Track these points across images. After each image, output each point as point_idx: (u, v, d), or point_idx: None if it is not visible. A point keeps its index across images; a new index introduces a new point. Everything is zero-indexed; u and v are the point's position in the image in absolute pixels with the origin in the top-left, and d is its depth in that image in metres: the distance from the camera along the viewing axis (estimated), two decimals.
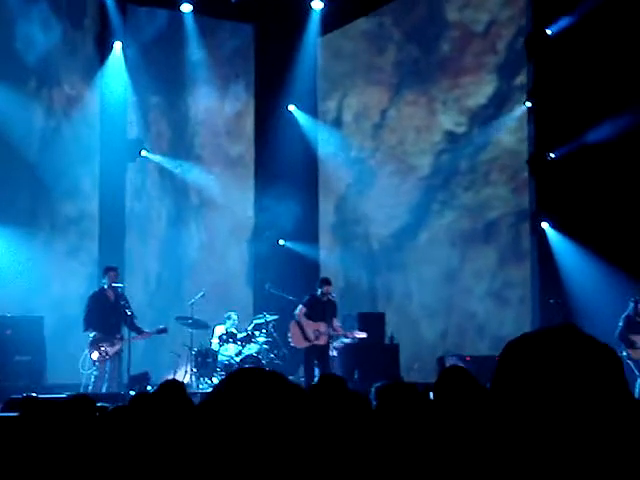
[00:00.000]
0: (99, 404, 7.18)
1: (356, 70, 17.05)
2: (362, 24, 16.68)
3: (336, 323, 13.87)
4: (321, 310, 13.69)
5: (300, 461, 2.00)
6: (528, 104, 15.00)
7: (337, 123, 17.44)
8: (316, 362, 13.64)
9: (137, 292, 14.91)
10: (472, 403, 4.32)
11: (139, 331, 13.02)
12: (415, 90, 16.24)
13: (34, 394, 9.68)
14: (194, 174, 17.23)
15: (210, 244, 17.58)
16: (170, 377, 10.76)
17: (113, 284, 13.02)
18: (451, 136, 15.97)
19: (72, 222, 15.58)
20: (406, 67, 16.17)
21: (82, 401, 4.80)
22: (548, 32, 14.40)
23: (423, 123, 16.19)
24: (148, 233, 16.71)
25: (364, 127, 17.06)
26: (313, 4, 16.60)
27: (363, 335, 14.01)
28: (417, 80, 16.17)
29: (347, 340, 14.56)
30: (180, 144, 17.35)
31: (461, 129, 15.83)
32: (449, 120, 15.96)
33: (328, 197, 17.84)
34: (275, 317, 14.84)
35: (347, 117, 17.28)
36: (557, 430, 1.69)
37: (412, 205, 16.38)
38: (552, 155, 14.40)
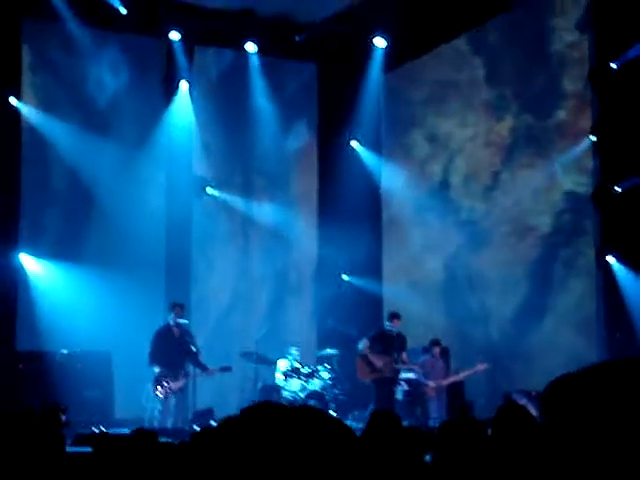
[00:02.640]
0: (163, 439, 7.28)
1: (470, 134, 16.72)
2: (484, 94, 16.50)
3: (405, 356, 13.88)
4: (389, 344, 13.71)
5: None
6: (593, 138, 14.86)
7: (444, 185, 16.98)
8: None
9: (203, 328, 15.04)
10: (526, 440, 4.29)
11: (203, 368, 13.13)
12: (529, 153, 15.76)
13: (103, 429, 9.84)
14: (258, 210, 17.40)
15: (274, 279, 17.68)
16: (232, 413, 10.82)
17: (179, 320, 13.17)
18: (572, 195, 15.26)
19: (140, 259, 15.81)
20: (520, 132, 15.90)
21: (143, 435, 4.87)
22: (613, 66, 14.30)
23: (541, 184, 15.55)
24: (214, 269, 16.88)
25: (474, 189, 16.55)
26: (375, 42, 16.73)
27: (483, 367, 14.03)
28: (532, 144, 15.68)
29: (412, 374, 14.52)
30: (245, 181, 17.54)
31: (582, 189, 15.04)
32: (569, 180, 15.26)
33: (392, 234, 17.79)
34: (338, 352, 14.86)
35: (455, 179, 16.89)
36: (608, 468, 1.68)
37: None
38: (618, 189, 14.24)
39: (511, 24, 15.87)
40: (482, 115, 16.42)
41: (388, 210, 17.97)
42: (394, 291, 17.10)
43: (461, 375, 14.30)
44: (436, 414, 13.55)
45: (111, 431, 11.15)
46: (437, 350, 14.32)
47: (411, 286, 16.86)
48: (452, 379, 14.27)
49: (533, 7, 15.58)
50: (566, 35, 15.19)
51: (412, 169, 17.32)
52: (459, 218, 16.52)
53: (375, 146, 17.83)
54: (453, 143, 16.86)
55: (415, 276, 16.96)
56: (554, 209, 15.29)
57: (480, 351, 14.95)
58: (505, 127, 16.02)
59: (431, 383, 14.03)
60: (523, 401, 11.26)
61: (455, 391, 14.57)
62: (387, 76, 17.56)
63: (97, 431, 10.88)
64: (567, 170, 15.10)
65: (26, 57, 15.26)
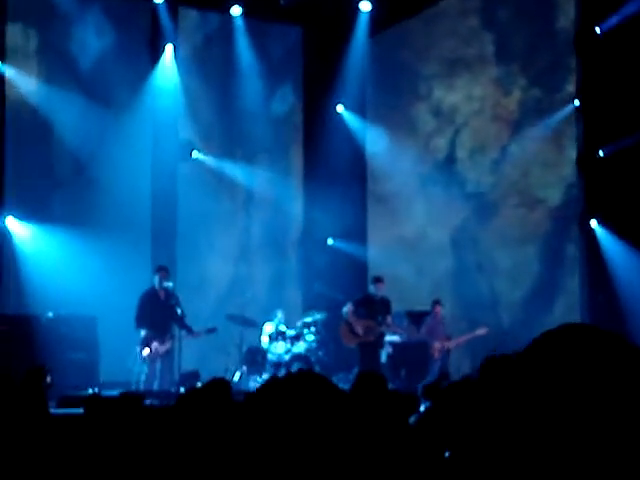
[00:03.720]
0: (149, 401, 7.35)
1: (475, 108, 16.64)
2: (492, 71, 16.41)
3: (389, 320, 13.97)
4: (373, 308, 13.79)
5: (337, 462, 2.07)
6: (576, 103, 14.88)
7: (450, 159, 16.91)
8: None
9: (188, 291, 15.06)
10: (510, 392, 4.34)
11: (189, 330, 13.19)
12: (539, 126, 15.64)
13: (95, 390, 9.88)
14: (244, 174, 17.39)
15: (259, 242, 17.73)
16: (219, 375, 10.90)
17: (164, 283, 13.21)
18: None
19: (125, 222, 15.80)
20: (529, 105, 15.82)
21: (131, 398, 4.93)
22: (597, 30, 14.29)
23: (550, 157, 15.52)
24: (199, 232, 16.89)
25: (482, 162, 16.48)
26: (361, 5, 16.66)
27: (483, 331, 14.16)
28: (541, 117, 15.60)
29: (396, 337, 14.64)
30: (230, 144, 17.52)
31: None
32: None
33: (378, 201, 17.78)
34: (324, 315, 14.94)
35: (461, 153, 16.79)
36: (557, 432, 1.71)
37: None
38: (601, 153, 14.28)
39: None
40: (490, 89, 16.38)
41: (373, 174, 17.98)
42: (379, 254, 17.16)
43: (463, 338, 14.43)
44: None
45: (102, 393, 11.22)
46: (438, 310, 14.44)
47: (415, 256, 16.83)
48: (455, 342, 14.39)
49: None
50: (570, 10, 15.13)
51: (416, 143, 17.24)
52: (465, 191, 16.51)
53: (360, 110, 17.80)
54: (459, 117, 16.80)
55: (421, 247, 16.93)
56: (564, 182, 15.27)
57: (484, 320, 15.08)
58: (513, 101, 15.99)
59: (436, 344, 14.18)
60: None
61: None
62: (375, 39, 17.45)
63: (89, 392, 10.93)
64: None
65: (9, 20, 15.11)
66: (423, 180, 17.01)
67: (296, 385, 2.15)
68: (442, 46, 16.88)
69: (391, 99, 17.63)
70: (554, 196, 15.43)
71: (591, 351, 1.74)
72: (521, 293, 15.57)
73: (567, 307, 14.80)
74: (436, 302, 14.49)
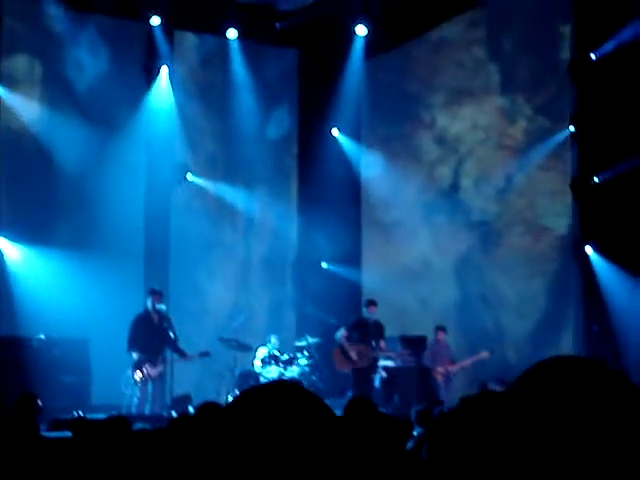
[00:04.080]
0: (140, 425, 7.27)
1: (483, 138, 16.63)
2: (497, 100, 16.42)
3: (383, 344, 13.92)
4: (366, 332, 13.74)
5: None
6: (571, 128, 14.91)
7: (454, 188, 16.84)
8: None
9: (182, 315, 14.98)
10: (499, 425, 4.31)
11: (182, 353, 13.12)
12: (540, 153, 15.61)
13: (80, 414, 9.82)
14: (239, 197, 17.37)
15: (254, 266, 17.69)
16: (210, 399, 10.82)
17: (157, 306, 13.15)
18: None
19: (118, 244, 15.75)
20: (535, 134, 15.84)
21: (118, 422, 4.87)
22: (592, 57, 14.34)
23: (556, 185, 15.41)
24: (193, 255, 16.82)
25: (486, 191, 16.39)
26: (357, 30, 16.70)
27: (486, 354, 14.16)
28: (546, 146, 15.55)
29: (390, 362, 14.59)
30: (225, 167, 17.50)
31: None
32: None
33: (372, 226, 17.75)
34: (317, 340, 14.88)
35: (465, 182, 16.74)
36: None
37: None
38: (596, 179, 14.28)
39: (526, 31, 15.86)
40: (495, 118, 16.40)
41: (368, 199, 17.96)
42: (373, 279, 17.13)
43: (467, 361, 14.43)
44: (445, 399, 13.59)
45: (88, 416, 11.13)
46: (442, 336, 14.45)
47: (418, 285, 16.78)
48: (459, 365, 14.39)
49: (545, 13, 15.54)
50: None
51: (420, 170, 17.22)
52: (470, 219, 16.49)
53: (356, 134, 17.80)
54: (463, 146, 16.81)
55: (424, 276, 16.86)
56: (571, 210, 15.20)
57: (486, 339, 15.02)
58: (519, 130, 15.99)
59: (439, 369, 14.17)
60: (498, 388, 11.33)
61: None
62: (375, 65, 17.48)
63: (75, 415, 10.85)
64: None
65: (4, 40, 15.10)
66: (427, 208, 16.99)
67: (270, 396, 2.09)
68: (446, 75, 16.91)
69: (392, 126, 17.62)
70: (561, 224, 15.38)
71: (575, 382, 1.79)
72: (527, 325, 15.49)
73: (574, 340, 14.74)
74: (440, 328, 14.54)
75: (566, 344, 14.71)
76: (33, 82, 15.60)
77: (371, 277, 17.29)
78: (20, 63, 15.52)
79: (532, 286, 15.46)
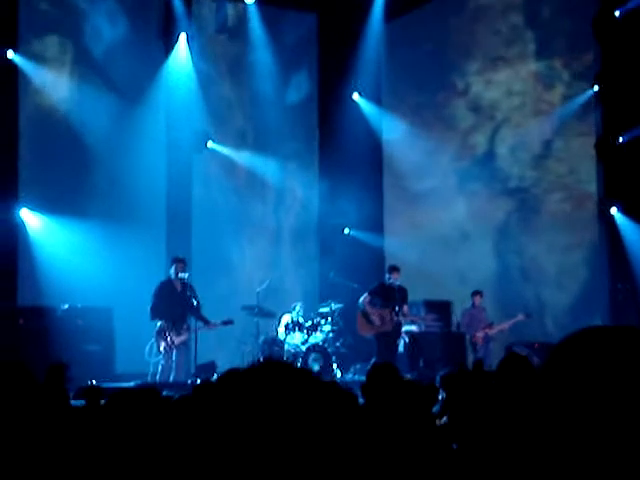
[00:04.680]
0: (165, 393, 7.27)
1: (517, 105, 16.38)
2: (533, 66, 16.11)
3: (406, 309, 13.88)
4: (389, 297, 13.69)
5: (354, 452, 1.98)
6: (595, 88, 14.70)
7: (490, 155, 16.66)
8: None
9: (204, 281, 14.98)
10: (529, 390, 4.26)
11: (205, 321, 13.12)
12: (584, 121, 15.32)
13: (94, 383, 9.84)
14: (259, 163, 17.31)
15: (275, 233, 17.67)
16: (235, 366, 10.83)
17: (180, 274, 13.14)
18: None
19: (140, 213, 15.77)
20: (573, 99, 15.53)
21: (147, 391, 4.84)
22: (616, 14, 14.10)
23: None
24: (215, 223, 16.81)
25: (523, 158, 16.18)
26: None
27: (522, 317, 14.16)
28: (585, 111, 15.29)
29: (414, 327, 14.56)
30: (245, 134, 17.44)
31: None
32: None
33: (396, 190, 17.63)
34: (340, 306, 14.85)
35: (501, 149, 16.55)
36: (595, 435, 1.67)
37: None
38: (621, 139, 14.10)
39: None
40: (531, 84, 16.15)
41: (390, 163, 17.85)
42: (397, 245, 17.06)
43: (504, 325, 14.44)
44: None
45: (113, 385, 11.18)
46: (478, 300, 14.47)
47: (455, 253, 16.65)
48: (497, 328, 14.41)
49: None
50: None
51: (454, 139, 17.04)
52: (507, 186, 16.30)
53: (377, 98, 17.66)
54: (499, 113, 16.59)
55: (461, 245, 16.72)
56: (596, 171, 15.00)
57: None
58: (556, 95, 15.76)
59: (478, 333, 14.20)
60: (525, 352, 11.28)
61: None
62: (397, 30, 17.27)
63: (93, 385, 10.88)
64: None
65: (22, 10, 15.05)
66: (461, 176, 16.83)
67: (259, 376, 2.04)
68: (481, 42, 16.67)
69: (424, 94, 17.39)
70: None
71: (609, 354, 1.74)
72: (566, 297, 15.32)
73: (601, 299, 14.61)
74: (476, 292, 14.58)
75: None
76: (63, 61, 15.57)
77: (395, 243, 17.22)
78: (51, 43, 15.48)
79: (572, 256, 15.24)
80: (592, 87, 14.81)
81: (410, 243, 16.70)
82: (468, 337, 14.63)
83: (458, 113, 17.06)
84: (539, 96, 15.95)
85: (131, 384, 11.46)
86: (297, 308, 14.81)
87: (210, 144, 16.77)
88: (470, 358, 14.49)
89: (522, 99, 16.22)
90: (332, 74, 17.59)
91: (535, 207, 15.91)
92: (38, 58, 15.25)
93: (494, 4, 16.50)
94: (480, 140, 16.73)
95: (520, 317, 14.29)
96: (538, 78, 15.98)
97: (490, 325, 14.42)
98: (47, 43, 15.54)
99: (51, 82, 15.32)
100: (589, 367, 1.72)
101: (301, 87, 17.93)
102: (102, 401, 7.52)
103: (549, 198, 15.74)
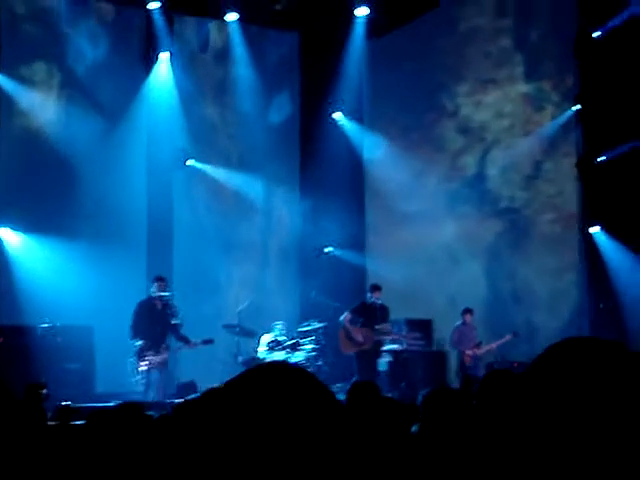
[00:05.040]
0: (145, 412, 7.21)
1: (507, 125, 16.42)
2: (522, 88, 16.17)
3: (388, 327, 13.86)
4: (370, 315, 13.68)
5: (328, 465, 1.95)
6: (576, 107, 14.79)
7: (479, 177, 16.66)
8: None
9: (184, 300, 14.92)
10: (514, 405, 4.24)
11: (185, 341, 13.05)
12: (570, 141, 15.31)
13: (68, 403, 9.76)
14: (242, 183, 17.29)
15: (256, 252, 17.63)
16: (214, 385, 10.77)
17: (161, 293, 13.08)
18: None
19: (120, 231, 15.70)
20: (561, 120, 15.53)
21: (129, 409, 4.80)
22: (594, 35, 14.21)
23: None
24: (198, 242, 16.75)
25: (514, 179, 16.20)
26: (357, 12, 16.61)
27: (510, 337, 14.14)
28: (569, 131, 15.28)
29: (396, 345, 14.54)
30: (225, 153, 17.42)
31: None
32: None
33: (375, 207, 17.63)
34: (322, 324, 14.82)
35: (491, 171, 16.54)
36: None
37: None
38: (601, 158, 14.16)
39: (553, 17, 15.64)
40: (521, 106, 16.20)
41: (371, 182, 17.87)
42: (378, 263, 17.06)
43: (493, 345, 14.39)
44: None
45: (92, 405, 11.08)
46: (469, 318, 14.42)
47: (441, 271, 16.65)
48: (485, 349, 14.35)
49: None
50: None
51: (442, 160, 17.06)
52: (497, 208, 16.31)
53: (358, 117, 17.70)
54: (488, 134, 16.64)
55: (450, 265, 16.70)
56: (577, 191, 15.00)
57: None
58: (546, 117, 15.80)
59: (468, 351, 14.13)
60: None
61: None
62: (383, 50, 17.34)
63: (71, 406, 10.79)
64: None
65: (2, 27, 15.01)
66: (450, 197, 16.83)
67: (271, 377, 2.00)
68: (471, 64, 16.75)
69: (411, 116, 17.41)
70: None
71: (591, 362, 1.76)
72: (558, 322, 15.24)
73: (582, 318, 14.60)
74: (467, 310, 14.49)
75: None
76: (46, 82, 15.54)
77: (377, 263, 17.21)
78: (36, 66, 15.46)
79: (562, 278, 15.20)
80: (572, 107, 14.90)
81: (394, 262, 16.69)
82: (457, 354, 14.55)
83: (447, 134, 17.10)
84: (528, 118, 16.02)
85: (110, 404, 11.37)
86: (279, 327, 14.76)
87: (190, 162, 16.74)
88: (452, 376, 14.49)
89: (512, 120, 16.28)
90: (314, 93, 17.62)
91: (525, 228, 15.91)
92: (22, 80, 15.21)
93: (484, 27, 16.57)
94: (469, 161, 16.78)
95: (508, 337, 14.24)
96: (527, 100, 16.06)
97: (479, 345, 14.37)
98: (32, 66, 15.50)
99: (35, 103, 15.28)
100: (571, 373, 1.73)
101: (283, 107, 17.94)
102: (76, 421, 7.47)
103: (539, 219, 15.75)
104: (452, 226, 16.61)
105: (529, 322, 15.49)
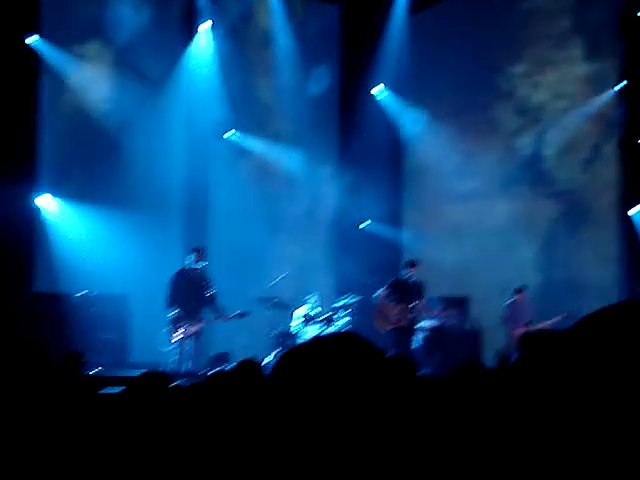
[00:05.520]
0: (177, 382, 7.20)
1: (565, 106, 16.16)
2: (582, 68, 15.89)
3: (422, 304, 13.79)
4: (405, 292, 13.62)
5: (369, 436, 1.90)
6: (621, 85, 14.57)
7: (535, 158, 16.38)
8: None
9: (220, 272, 14.93)
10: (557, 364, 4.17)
11: (220, 312, 13.06)
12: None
13: (98, 370, 9.80)
14: (278, 155, 17.24)
15: (293, 225, 17.59)
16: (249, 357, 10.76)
17: (197, 264, 13.09)
18: None
19: (158, 200, 15.73)
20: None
21: (155, 378, 4.78)
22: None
23: None
24: (233, 213, 16.75)
25: (572, 161, 15.94)
26: None
27: (563, 317, 13.97)
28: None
29: (431, 322, 14.45)
30: (264, 124, 17.37)
31: None
32: None
33: (415, 182, 17.50)
34: (357, 299, 14.76)
35: (548, 152, 16.25)
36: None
37: None
38: None
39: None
40: (579, 87, 15.95)
41: (413, 158, 17.73)
42: (414, 239, 16.96)
43: (545, 324, 14.21)
44: None
45: (127, 374, 11.14)
46: (521, 297, 14.26)
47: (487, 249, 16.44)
48: (540, 326, 14.18)
49: None
50: None
51: (497, 142, 16.84)
52: (554, 190, 16.07)
53: (398, 91, 17.53)
54: (546, 115, 16.37)
55: (501, 247, 16.46)
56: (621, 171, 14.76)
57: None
58: (605, 97, 15.45)
59: (519, 329, 13.97)
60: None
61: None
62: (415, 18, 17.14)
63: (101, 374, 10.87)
64: None
65: (55, 6, 15.02)
66: (504, 178, 16.62)
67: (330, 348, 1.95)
68: (529, 44, 16.49)
69: (465, 96, 17.18)
70: None
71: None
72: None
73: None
74: (520, 289, 14.34)
75: None
76: (87, 48, 15.54)
77: (414, 239, 17.11)
78: (77, 30, 15.48)
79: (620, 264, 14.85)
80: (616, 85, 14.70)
81: (437, 240, 16.56)
82: (508, 332, 14.30)
83: (503, 115, 16.86)
84: (587, 99, 15.74)
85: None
86: (312, 300, 14.74)
87: (229, 134, 16.72)
88: (488, 355, 14.37)
89: (570, 102, 16.00)
90: (354, 66, 17.49)
91: (583, 212, 15.63)
92: (62, 44, 15.22)
93: (543, 7, 16.29)
94: (525, 142, 16.54)
95: (562, 316, 13.97)
96: (586, 81, 15.80)
97: (530, 323, 14.20)
98: (72, 30, 15.51)
99: (74, 69, 15.30)
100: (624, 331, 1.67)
101: (322, 79, 17.83)
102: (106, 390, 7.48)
103: (597, 203, 15.46)
104: (505, 207, 16.41)
105: (583, 313, 15.12)
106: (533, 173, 16.27)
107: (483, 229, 16.49)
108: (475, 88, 16.99)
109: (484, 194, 16.69)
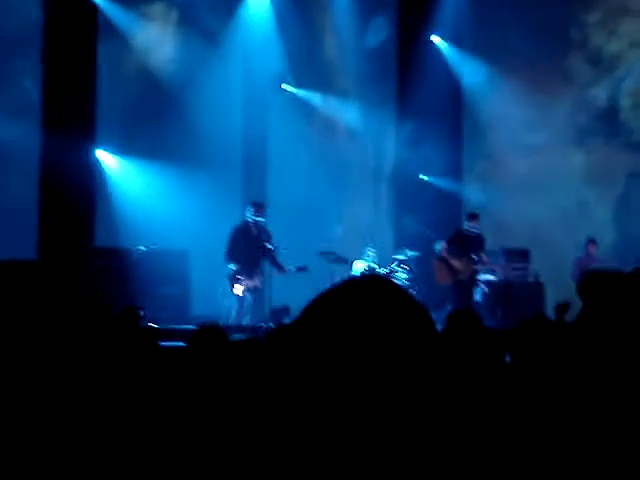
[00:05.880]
0: (237, 336, 7.21)
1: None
2: None
3: (484, 257, 13.63)
4: (466, 245, 13.47)
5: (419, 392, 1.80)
6: None
7: (611, 110, 16.04)
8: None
9: (279, 226, 14.89)
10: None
11: (279, 267, 13.06)
12: None
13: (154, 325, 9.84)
14: (335, 107, 17.09)
15: (352, 179, 17.47)
16: None
17: (256, 218, 13.07)
18: None
19: (217, 156, 15.73)
20: None
21: (213, 331, 4.75)
22: None
23: None
24: (291, 167, 16.68)
25: None
26: None
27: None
28: None
29: (492, 276, 14.28)
30: (322, 76, 17.21)
31: None
32: None
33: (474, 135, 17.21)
34: (416, 253, 14.63)
35: (625, 102, 15.96)
36: None
37: None
38: None
39: None
40: None
41: (473, 109, 17.42)
42: (477, 192, 16.72)
43: None
44: None
45: (189, 327, 11.19)
46: (592, 249, 14.01)
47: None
48: None
49: None
50: None
51: (571, 93, 16.46)
52: (630, 141, 15.67)
53: (457, 40, 17.19)
54: (621, 65, 15.97)
55: (574, 200, 16.18)
56: None
57: None
58: None
59: None
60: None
61: None
62: None
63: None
64: None
65: None
66: (578, 130, 16.26)
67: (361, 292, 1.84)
68: None
69: (537, 46, 16.77)
70: None
71: None
72: None
73: None
74: (590, 241, 14.06)
75: None
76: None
77: (475, 191, 16.86)
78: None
79: None
80: None
81: (502, 192, 16.29)
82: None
83: (575, 66, 16.42)
84: None
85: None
86: (370, 253, 14.63)
87: (286, 86, 16.59)
88: (551, 308, 14.17)
89: None
90: (411, 16, 17.14)
91: None
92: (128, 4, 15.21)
93: None
94: (600, 94, 16.10)
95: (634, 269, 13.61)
96: None
97: None
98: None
99: (131, 24, 15.28)
100: None
101: (380, 30, 17.56)
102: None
103: None
104: (578, 160, 16.03)
105: None
106: (608, 125, 15.85)
107: (553, 183, 16.14)
108: (546, 38, 16.57)
109: (555, 147, 16.32)
